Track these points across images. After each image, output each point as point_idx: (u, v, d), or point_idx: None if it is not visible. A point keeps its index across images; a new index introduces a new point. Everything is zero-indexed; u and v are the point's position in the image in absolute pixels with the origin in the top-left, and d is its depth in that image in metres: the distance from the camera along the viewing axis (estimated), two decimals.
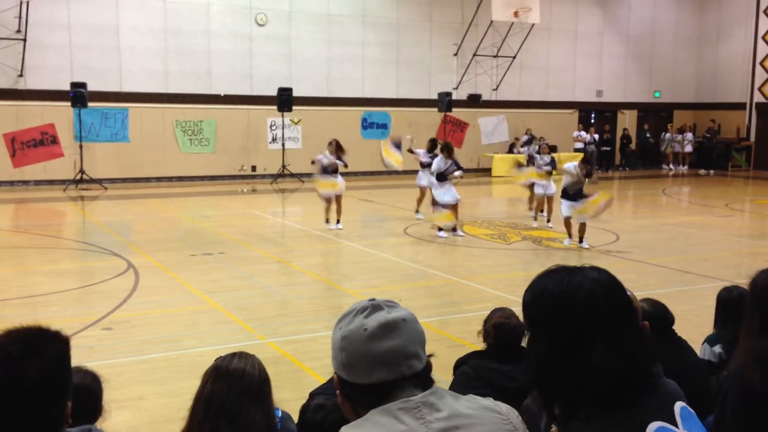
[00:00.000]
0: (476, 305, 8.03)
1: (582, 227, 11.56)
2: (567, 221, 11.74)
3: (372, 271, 10.14)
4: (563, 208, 11.63)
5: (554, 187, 13.85)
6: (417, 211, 14.67)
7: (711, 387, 3.13)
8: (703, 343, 3.90)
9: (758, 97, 26.58)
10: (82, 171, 19.25)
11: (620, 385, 1.52)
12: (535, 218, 14.20)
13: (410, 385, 1.49)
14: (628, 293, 2.29)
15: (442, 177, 12.90)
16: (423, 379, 1.52)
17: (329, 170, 13.12)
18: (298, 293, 8.79)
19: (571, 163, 11.82)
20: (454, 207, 12.77)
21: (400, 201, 17.51)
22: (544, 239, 12.58)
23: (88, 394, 2.56)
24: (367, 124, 23.56)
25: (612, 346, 1.51)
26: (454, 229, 12.75)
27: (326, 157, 13.20)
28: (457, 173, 12.97)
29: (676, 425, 1.58)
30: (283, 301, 8.46)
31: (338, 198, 13.11)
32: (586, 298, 1.54)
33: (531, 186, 14.88)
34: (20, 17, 18.79)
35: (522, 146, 25.36)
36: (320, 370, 5.86)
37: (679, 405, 1.65)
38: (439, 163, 12.95)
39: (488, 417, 1.51)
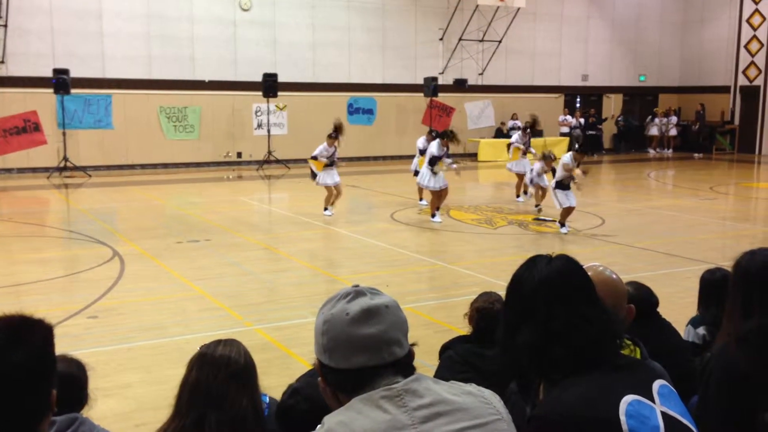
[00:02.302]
0: (463, 290, 8.06)
1: (567, 211, 11.55)
2: (564, 211, 11.56)
3: (359, 257, 10.14)
4: (560, 197, 11.53)
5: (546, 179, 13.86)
6: (421, 199, 14.55)
7: (695, 368, 3.16)
8: (687, 325, 3.93)
9: (742, 80, 26.71)
10: (65, 158, 19.09)
11: (599, 352, 1.70)
12: (537, 206, 13.96)
13: (391, 372, 1.49)
14: (614, 276, 2.32)
15: (434, 161, 12.81)
16: (404, 367, 1.52)
17: (327, 163, 12.91)
18: (285, 280, 8.79)
19: (566, 155, 11.73)
20: (439, 193, 12.75)
21: (387, 187, 17.50)
22: (531, 224, 12.62)
23: (73, 382, 2.55)
24: (353, 110, 23.49)
25: (588, 320, 1.72)
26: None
27: (326, 150, 12.91)
28: (453, 166, 13.01)
29: (653, 401, 1.64)
30: (271, 287, 8.45)
31: (338, 186, 13.04)
32: (541, 279, 1.77)
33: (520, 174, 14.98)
34: (1, 3, 18.53)
35: (509, 130, 25.39)
36: (308, 356, 5.86)
37: (658, 383, 1.70)
38: (433, 148, 12.79)
39: (471, 402, 1.51)
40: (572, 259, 1.84)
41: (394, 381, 1.48)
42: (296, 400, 2.54)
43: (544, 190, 13.67)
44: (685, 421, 1.68)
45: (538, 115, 15.01)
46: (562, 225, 11.65)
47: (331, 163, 12.96)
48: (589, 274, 2.28)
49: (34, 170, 19.39)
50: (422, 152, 14.33)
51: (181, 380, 2.45)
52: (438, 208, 12.83)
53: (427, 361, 4.17)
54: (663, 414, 1.64)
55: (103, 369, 5.41)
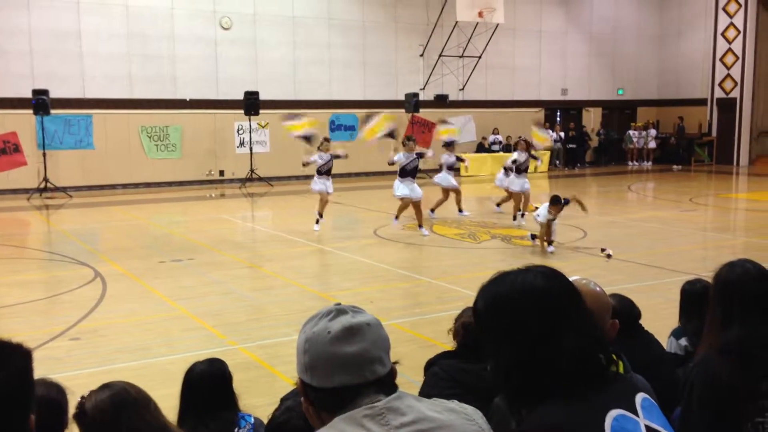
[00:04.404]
0: (448, 305, 8.05)
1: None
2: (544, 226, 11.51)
3: (343, 273, 10.12)
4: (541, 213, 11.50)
5: (528, 184, 14.05)
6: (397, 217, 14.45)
7: (678, 379, 3.17)
8: (669, 337, 3.95)
9: (719, 93, 27.07)
10: (46, 179, 18.94)
11: (590, 364, 1.65)
12: (515, 217, 14.00)
13: (373, 391, 1.48)
14: (598, 289, 2.33)
15: (404, 172, 12.86)
16: (386, 385, 1.51)
17: (323, 171, 13.09)
18: (269, 298, 8.75)
19: (542, 208, 11.11)
20: (416, 205, 12.80)
21: (369, 203, 17.51)
22: (514, 237, 12.67)
23: (53, 406, 2.52)
24: (335, 127, 23.53)
25: (577, 329, 1.66)
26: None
27: (321, 157, 13.03)
28: (429, 153, 13.47)
29: (636, 415, 1.64)
30: (255, 305, 8.40)
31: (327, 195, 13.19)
32: (544, 292, 1.66)
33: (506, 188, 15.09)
34: None
35: (491, 145, 25.57)
36: (293, 374, 5.79)
37: (640, 396, 1.70)
38: (400, 157, 12.90)
39: (454, 419, 1.51)
40: (548, 269, 1.75)
41: (376, 399, 1.47)
42: (289, 416, 2.53)
43: (526, 195, 13.82)
44: None
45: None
46: (549, 243, 11.59)
47: (327, 171, 13.11)
48: None
49: (14, 191, 19.21)
50: (448, 166, 14.78)
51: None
52: (421, 225, 12.89)
53: (412, 377, 4.16)
54: (647, 427, 1.64)
55: (85, 391, 5.35)
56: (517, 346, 1.64)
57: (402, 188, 12.88)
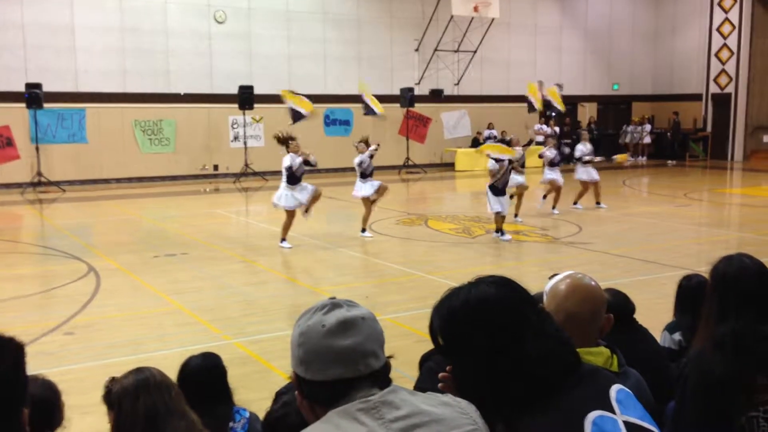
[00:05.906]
0: None
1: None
2: (498, 216, 11.42)
3: (338, 268, 10.12)
4: (492, 203, 11.45)
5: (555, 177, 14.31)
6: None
7: (672, 374, 3.18)
8: (663, 331, 3.96)
9: (714, 88, 27.11)
10: (39, 173, 18.87)
11: (558, 365, 1.62)
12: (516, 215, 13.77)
13: (367, 384, 1.48)
14: (594, 284, 2.32)
15: (293, 179, 11.09)
16: (381, 379, 1.51)
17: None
18: (263, 292, 8.74)
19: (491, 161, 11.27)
20: (291, 215, 11.10)
21: None
22: (508, 232, 12.65)
23: (44, 403, 2.51)
24: (329, 121, 23.50)
25: (540, 332, 1.63)
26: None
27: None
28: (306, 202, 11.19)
29: (612, 411, 1.61)
30: (249, 300, 8.39)
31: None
32: (500, 301, 1.65)
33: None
34: None
35: (485, 140, 25.51)
36: (287, 369, 5.79)
37: (615, 389, 1.67)
38: (289, 160, 11.10)
39: (448, 413, 1.51)
40: (499, 278, 1.72)
41: (371, 393, 1.47)
42: (287, 411, 2.53)
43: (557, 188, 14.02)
44: (645, 425, 1.66)
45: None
46: (501, 232, 11.59)
47: (370, 173, 12.16)
48: (569, 281, 2.29)
49: (7, 186, 19.13)
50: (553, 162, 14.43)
51: (122, 414, 2.46)
52: (284, 236, 11.26)
53: (406, 371, 4.16)
54: (625, 423, 1.62)
55: (80, 386, 5.34)
56: (481, 357, 1.62)
57: (280, 198, 11.08)
